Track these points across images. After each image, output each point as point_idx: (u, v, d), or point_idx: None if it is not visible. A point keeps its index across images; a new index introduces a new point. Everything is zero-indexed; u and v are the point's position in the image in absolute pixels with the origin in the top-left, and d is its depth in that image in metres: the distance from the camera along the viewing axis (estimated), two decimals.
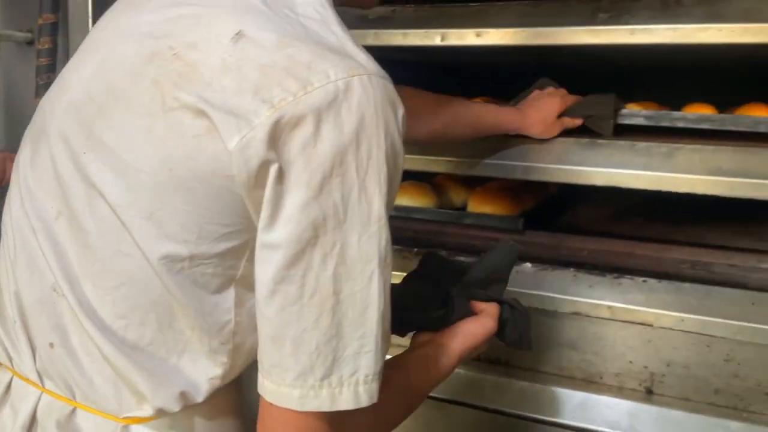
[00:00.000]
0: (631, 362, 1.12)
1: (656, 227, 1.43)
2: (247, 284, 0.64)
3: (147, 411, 0.65)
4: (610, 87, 1.34)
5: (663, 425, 1.07)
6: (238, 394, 0.76)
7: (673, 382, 1.10)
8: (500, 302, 0.90)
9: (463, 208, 1.39)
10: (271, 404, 0.60)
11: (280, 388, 0.59)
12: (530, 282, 1.13)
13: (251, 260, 0.62)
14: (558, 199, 1.58)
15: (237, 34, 0.58)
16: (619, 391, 1.12)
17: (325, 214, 0.57)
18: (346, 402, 0.59)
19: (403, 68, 1.79)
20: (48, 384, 0.69)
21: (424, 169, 1.19)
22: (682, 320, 1.03)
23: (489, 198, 1.35)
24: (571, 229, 1.34)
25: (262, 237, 0.59)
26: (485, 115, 1.09)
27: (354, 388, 0.59)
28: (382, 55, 0.62)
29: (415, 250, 1.23)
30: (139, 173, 0.61)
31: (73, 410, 0.68)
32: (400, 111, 0.61)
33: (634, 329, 1.08)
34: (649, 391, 1.12)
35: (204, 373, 0.66)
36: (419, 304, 0.85)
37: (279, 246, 0.57)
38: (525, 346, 0.93)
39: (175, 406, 0.66)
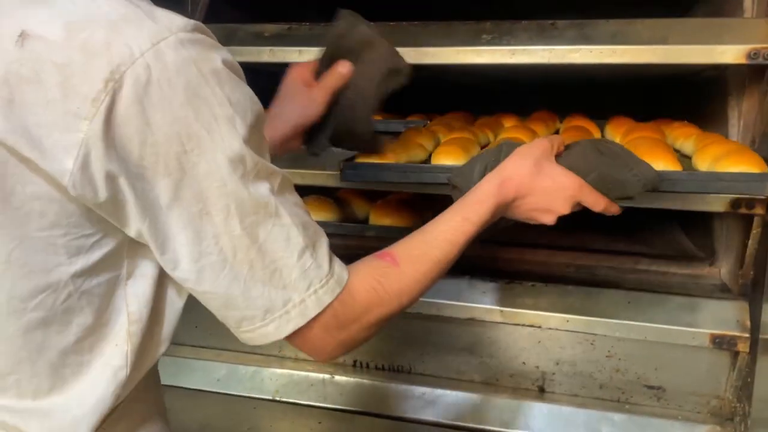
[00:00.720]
0: (524, 363, 1.18)
1: (547, 235, 1.52)
2: (140, 279, 0.64)
3: None
4: (496, 102, 1.42)
5: (554, 421, 1.14)
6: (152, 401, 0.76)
7: (562, 379, 1.17)
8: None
9: (366, 220, 1.43)
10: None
11: (255, 333, 0.63)
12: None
13: (132, 254, 0.63)
14: None
15: (20, 35, 0.53)
16: (514, 392, 1.18)
17: (200, 186, 0.56)
18: (314, 309, 0.62)
19: None
20: None
21: (323, 184, 1.21)
22: (567, 321, 1.10)
23: (389, 210, 1.39)
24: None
25: (155, 233, 0.58)
26: None
27: (315, 297, 0.62)
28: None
29: None
30: None
31: None
32: (223, 54, 0.58)
33: (525, 331, 1.15)
34: (542, 390, 1.18)
35: (104, 389, 0.64)
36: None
37: (177, 233, 0.57)
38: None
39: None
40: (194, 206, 0.57)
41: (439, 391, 1.20)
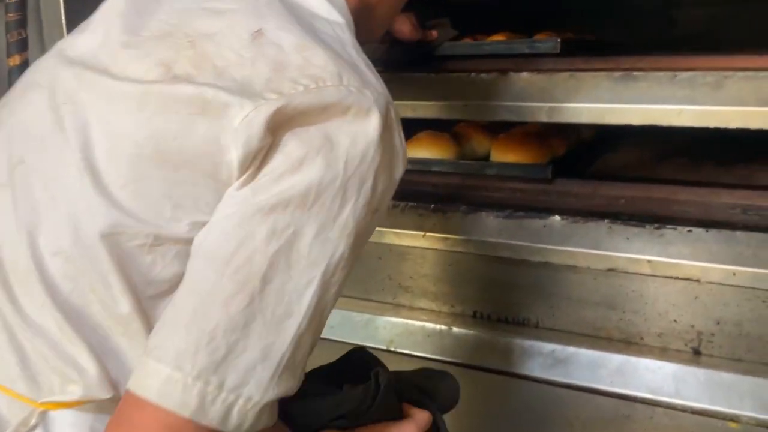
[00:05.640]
0: (675, 321, 1.00)
1: (702, 169, 1.30)
2: None
3: (73, 394, 0.55)
4: None
5: (712, 389, 0.96)
6: None
7: (723, 341, 0.98)
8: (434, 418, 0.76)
9: (487, 158, 1.28)
10: (128, 390, 0.52)
11: (147, 366, 0.51)
12: (559, 236, 1.02)
13: None
14: (592, 143, 1.44)
15: (257, 31, 0.57)
16: (663, 353, 1.01)
17: (292, 192, 0.53)
18: (212, 415, 0.50)
19: None
20: None
21: (437, 116, 1.08)
22: (734, 274, 0.91)
23: (513, 145, 1.23)
24: (606, 176, 1.22)
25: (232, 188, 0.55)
26: None
27: (227, 405, 0.51)
28: None
29: (433, 206, 1.13)
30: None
31: None
32: (402, 142, 0.60)
33: (679, 285, 0.97)
34: (697, 352, 1.01)
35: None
36: (333, 392, 0.70)
37: (239, 199, 0.54)
38: None
39: (105, 393, 0.56)
40: (270, 199, 0.54)
41: (571, 349, 1.06)
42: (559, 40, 1.04)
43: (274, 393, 0.53)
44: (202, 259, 0.54)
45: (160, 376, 0.50)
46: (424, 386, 0.81)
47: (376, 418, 0.70)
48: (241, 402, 0.51)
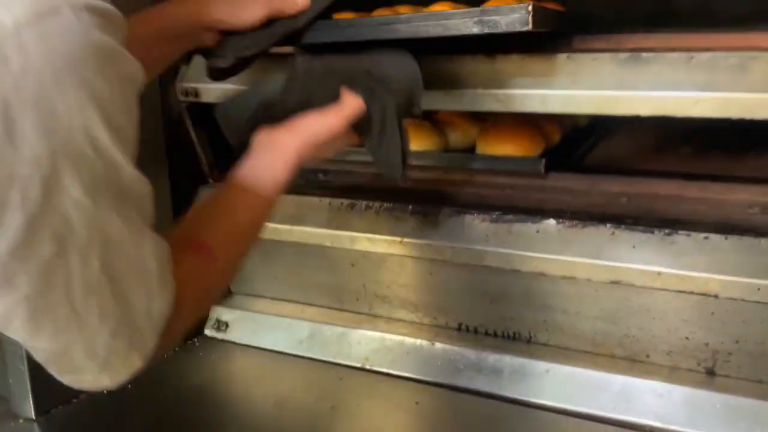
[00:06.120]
0: (687, 338, 0.88)
1: (709, 160, 1.17)
2: None
3: None
4: None
5: (730, 416, 0.84)
6: None
7: (742, 361, 0.86)
8: (372, 100, 0.75)
9: (473, 149, 1.14)
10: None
11: (85, 383, 0.54)
12: (555, 243, 0.89)
13: None
14: (588, 128, 1.31)
15: None
16: (672, 373, 0.89)
17: (66, 217, 0.45)
18: (151, 339, 0.55)
19: None
20: None
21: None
22: (758, 289, 0.78)
23: (502, 135, 1.09)
24: (605, 169, 1.09)
25: None
26: None
27: (153, 325, 0.54)
28: None
29: (411, 207, 0.99)
30: None
31: None
32: (109, 13, 0.46)
33: (693, 300, 0.84)
34: (711, 372, 0.89)
35: None
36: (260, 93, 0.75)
37: (14, 277, 0.45)
38: (392, 172, 0.81)
39: None
40: (47, 247, 0.45)
41: (568, 369, 0.93)
42: (530, 7, 0.74)
43: (169, 285, 0.56)
44: (47, 332, 0.49)
45: (103, 378, 0.54)
46: (377, 71, 0.77)
47: (304, 106, 0.73)
48: (156, 317, 0.54)
